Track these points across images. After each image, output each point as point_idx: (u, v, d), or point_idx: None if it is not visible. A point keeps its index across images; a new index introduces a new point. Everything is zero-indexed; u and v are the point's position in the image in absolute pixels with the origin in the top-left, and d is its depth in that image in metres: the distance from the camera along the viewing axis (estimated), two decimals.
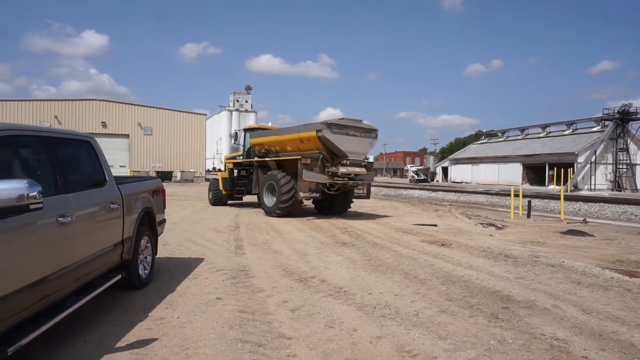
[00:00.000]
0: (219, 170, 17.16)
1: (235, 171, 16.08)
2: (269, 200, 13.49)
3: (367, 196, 13.98)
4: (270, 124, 17.46)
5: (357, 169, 13.00)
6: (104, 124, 39.68)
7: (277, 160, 13.95)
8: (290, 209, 12.95)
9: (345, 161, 12.78)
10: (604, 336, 3.99)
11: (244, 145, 16.59)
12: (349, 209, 14.43)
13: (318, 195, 12.83)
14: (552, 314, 4.58)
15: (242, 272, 6.16)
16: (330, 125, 12.34)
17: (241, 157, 16.70)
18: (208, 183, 21.16)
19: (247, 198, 17.33)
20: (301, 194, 12.54)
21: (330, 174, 12.60)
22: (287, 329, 4.04)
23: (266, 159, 14.33)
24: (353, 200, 14.17)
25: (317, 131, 12.29)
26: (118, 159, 38.27)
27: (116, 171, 36.17)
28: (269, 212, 13.26)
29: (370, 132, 13.24)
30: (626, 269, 6.82)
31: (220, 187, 16.32)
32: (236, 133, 17.08)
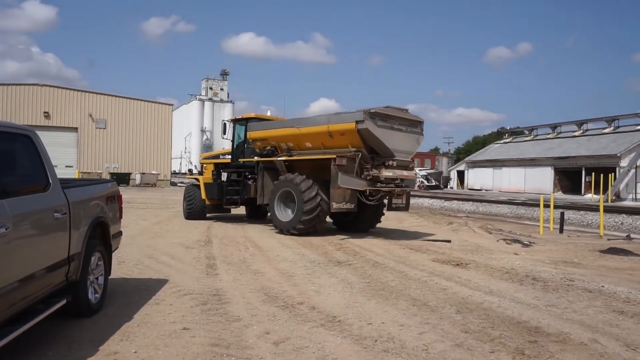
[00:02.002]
0: (199, 172, 16.90)
1: (225, 175, 15.17)
2: (283, 213, 12.60)
3: (406, 207, 13.14)
4: (269, 114, 16.42)
5: (405, 172, 12.30)
6: (46, 115, 39.36)
7: (295, 161, 13.02)
8: (314, 224, 12.09)
9: (390, 162, 11.90)
10: None
11: (233, 140, 15.71)
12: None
13: (353, 206, 11.87)
14: (590, 349, 4.61)
15: (215, 297, 6.13)
16: (374, 115, 11.46)
17: (228, 157, 16.04)
18: (174, 188, 20.90)
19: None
20: (334, 205, 11.50)
21: (370, 178, 11.74)
22: None
23: (280, 158, 13.16)
24: (384, 212, 13.57)
25: (357, 123, 11.37)
26: (64, 157, 37.94)
27: (61, 172, 35.84)
28: (285, 229, 12.26)
29: (416, 126, 12.70)
30: None
31: (203, 196, 15.25)
32: (225, 124, 15.94)
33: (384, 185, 11.90)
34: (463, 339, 4.83)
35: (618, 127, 47.64)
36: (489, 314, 5.71)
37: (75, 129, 40.33)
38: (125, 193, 20.66)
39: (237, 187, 14.77)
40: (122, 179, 37.62)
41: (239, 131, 15.57)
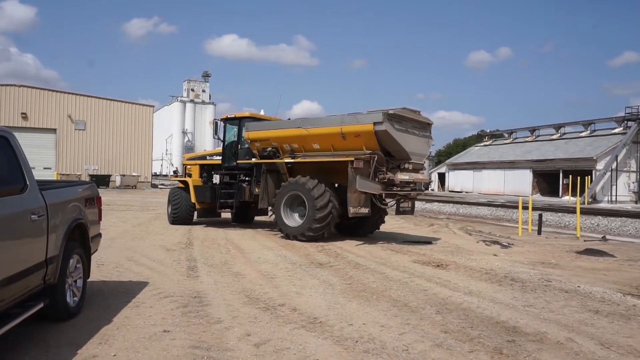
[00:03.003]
0: (188, 174, 15.80)
1: (217, 177, 14.64)
2: (291, 219, 12.07)
3: (412, 211, 12.69)
4: (262, 113, 15.43)
5: (420, 176, 12.12)
6: (24, 116, 38.68)
7: (300, 163, 12.48)
8: (325, 230, 11.62)
9: (407, 165, 11.58)
10: None
11: (224, 141, 14.89)
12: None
13: (367, 210, 11.46)
14: (566, 348, 4.70)
15: (196, 299, 6.10)
16: (392, 116, 11.09)
17: (216, 157, 15.30)
18: (155, 190, 20.46)
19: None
20: (352, 210, 11.02)
21: (386, 181, 11.33)
22: None
23: (290, 160, 12.55)
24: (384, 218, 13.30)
25: (375, 124, 10.95)
26: (42, 159, 37.35)
27: (39, 174, 35.25)
28: (293, 235, 11.74)
29: (426, 129, 12.43)
30: None
31: (193, 199, 14.48)
32: (217, 123, 15.04)
33: (399, 188, 11.56)
34: (443, 339, 4.87)
35: (594, 130, 48.60)
36: (468, 314, 5.77)
37: (53, 130, 39.70)
38: (105, 195, 20.42)
39: (230, 190, 14.09)
40: (102, 180, 37.15)
41: (231, 131, 14.86)
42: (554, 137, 52.28)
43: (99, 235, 6.35)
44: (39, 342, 4.44)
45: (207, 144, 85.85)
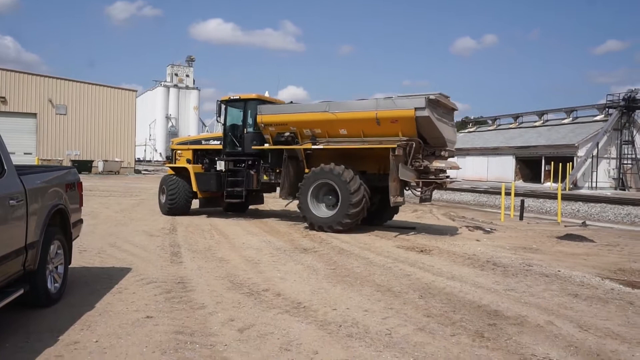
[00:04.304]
0: (188, 160, 14.46)
1: (221, 163, 13.44)
2: (319, 209, 11.42)
3: (431, 199, 12.43)
4: (267, 94, 14.09)
5: (453, 163, 11.86)
6: (3, 100, 37.87)
7: (322, 150, 11.66)
8: (359, 217, 11.10)
9: (442, 152, 11.23)
10: (602, 356, 4.19)
11: (224, 124, 13.83)
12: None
13: (402, 199, 11.16)
14: (546, 331, 4.77)
15: (179, 285, 6.08)
16: (431, 102, 10.61)
17: (213, 142, 14.29)
18: (138, 176, 19.76)
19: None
20: (392, 199, 10.62)
21: (422, 169, 10.95)
22: (233, 353, 4.01)
23: (324, 146, 11.59)
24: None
25: (417, 109, 10.41)
26: (22, 143, 36.65)
27: (19, 159, 34.68)
28: (327, 225, 11.08)
29: (452, 114, 12.08)
30: (628, 279, 7.20)
31: (194, 188, 13.49)
32: (220, 105, 13.82)
33: (434, 176, 11.22)
34: (425, 323, 4.92)
35: (576, 118, 49.07)
36: (450, 299, 5.83)
37: (34, 115, 38.96)
38: (87, 181, 20.20)
39: (238, 177, 13.15)
40: (84, 166, 36.65)
41: (233, 114, 13.79)
42: (537, 123, 52.69)
43: (81, 221, 6.28)
44: (19, 329, 4.39)
45: (192, 129, 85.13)
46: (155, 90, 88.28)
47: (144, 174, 42.01)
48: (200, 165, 14.12)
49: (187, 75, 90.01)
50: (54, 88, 40.00)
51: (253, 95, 13.41)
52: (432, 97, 10.62)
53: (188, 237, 9.85)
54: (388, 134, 10.88)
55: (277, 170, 12.67)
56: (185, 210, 13.73)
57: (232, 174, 13.30)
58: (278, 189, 12.73)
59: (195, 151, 14.47)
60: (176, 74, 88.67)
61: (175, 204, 13.50)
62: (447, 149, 11.32)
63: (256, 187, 13.17)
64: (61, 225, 5.44)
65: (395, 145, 10.47)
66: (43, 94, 39.33)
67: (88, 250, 8.04)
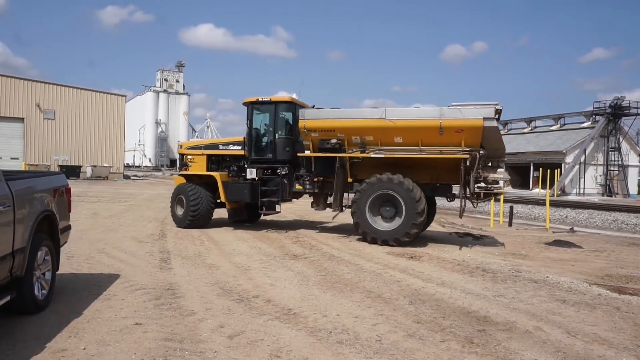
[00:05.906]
0: (184, 165, 13.32)
1: (252, 171, 12.19)
2: (376, 222, 10.66)
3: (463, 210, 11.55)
4: (295, 96, 12.94)
5: (505, 174, 11.49)
6: None
7: (370, 159, 11.01)
8: (422, 229, 10.83)
9: (499, 163, 11.04)
10: None
11: (250, 127, 12.54)
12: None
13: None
14: (534, 337, 4.80)
15: (169, 291, 6.04)
16: (498, 113, 10.21)
17: (232, 147, 12.98)
18: (127, 182, 19.30)
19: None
20: (461, 212, 10.70)
21: (481, 180, 10.65)
22: None
23: (373, 155, 10.91)
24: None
25: (485, 119, 9.97)
26: (9, 148, 36.44)
27: (6, 164, 34.43)
28: (391, 238, 10.37)
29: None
30: (615, 285, 7.27)
31: (222, 198, 12.40)
32: (251, 108, 12.69)
33: (490, 187, 10.85)
34: (415, 329, 4.93)
35: (564, 124, 49.57)
36: (440, 305, 5.85)
37: (21, 120, 38.61)
38: (76, 186, 20.04)
39: (273, 187, 12.17)
40: (72, 171, 36.37)
41: (260, 116, 12.77)
42: (525, 130, 53.15)
43: (69, 227, 6.23)
44: (6, 336, 4.34)
45: (182, 135, 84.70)
46: (144, 96, 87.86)
47: (133, 179, 41.79)
48: (227, 172, 12.83)
49: (177, 81, 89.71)
50: (42, 93, 39.70)
51: (286, 98, 12.52)
52: (498, 107, 10.20)
53: (177, 243, 9.79)
54: (449, 144, 10.40)
55: (316, 180, 11.83)
56: (207, 222, 12.60)
57: (263, 182, 12.31)
58: (312, 199, 12.22)
59: (210, 157, 13.21)
60: (166, 79, 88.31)
61: (198, 216, 12.23)
62: (504, 160, 11.08)
63: (288, 197, 12.37)
64: (49, 231, 5.39)
65: (468, 156, 10.05)
66: (31, 98, 39.02)
67: (76, 256, 7.97)
